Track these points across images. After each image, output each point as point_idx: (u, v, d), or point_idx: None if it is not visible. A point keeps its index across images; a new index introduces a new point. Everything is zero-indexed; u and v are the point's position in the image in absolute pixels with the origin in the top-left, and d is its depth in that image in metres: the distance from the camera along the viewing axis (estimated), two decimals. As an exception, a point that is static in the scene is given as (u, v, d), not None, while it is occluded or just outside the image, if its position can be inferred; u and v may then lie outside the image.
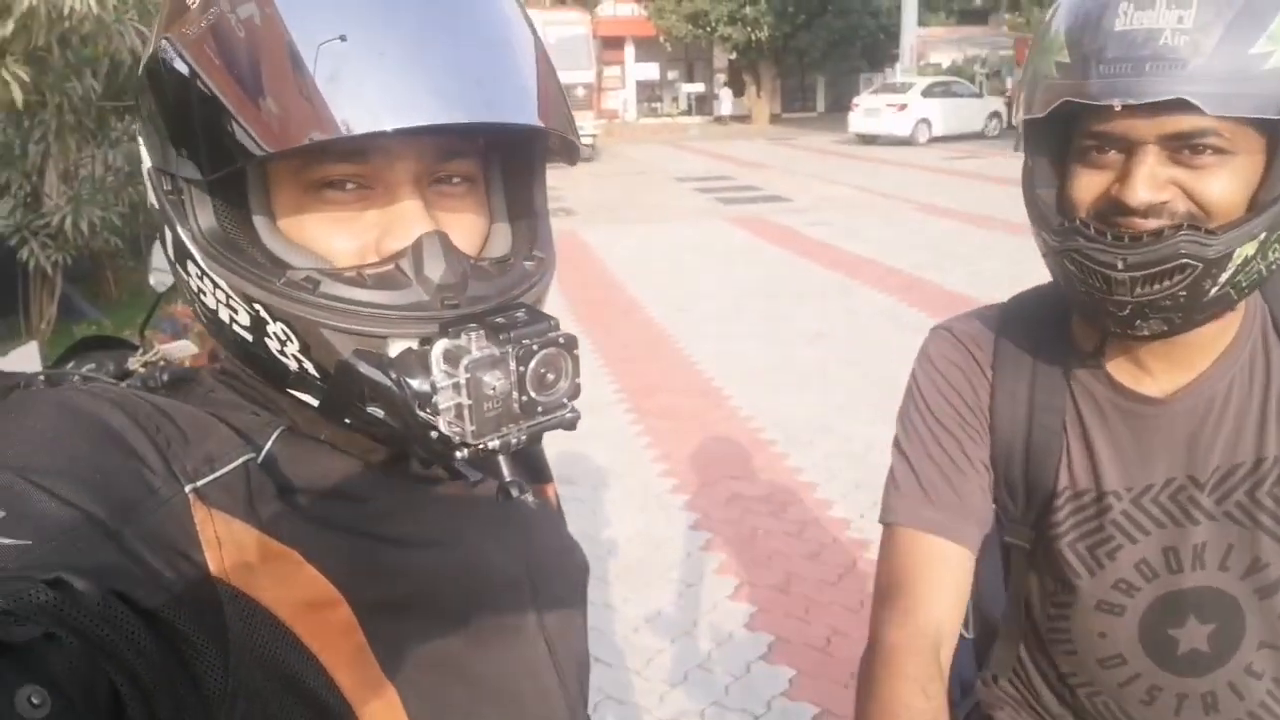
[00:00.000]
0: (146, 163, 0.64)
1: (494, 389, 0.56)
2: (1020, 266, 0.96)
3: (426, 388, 0.57)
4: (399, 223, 0.62)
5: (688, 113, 32.41)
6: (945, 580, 1.01)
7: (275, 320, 0.59)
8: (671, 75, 34.29)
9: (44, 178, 5.69)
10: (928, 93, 21.51)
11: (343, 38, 0.55)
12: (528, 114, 0.62)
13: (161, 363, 0.75)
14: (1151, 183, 0.84)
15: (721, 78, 33.77)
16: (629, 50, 33.16)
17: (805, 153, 20.63)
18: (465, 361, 0.56)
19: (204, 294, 0.63)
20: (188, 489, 0.57)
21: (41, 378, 0.73)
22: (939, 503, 1.03)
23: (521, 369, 0.57)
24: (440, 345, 0.57)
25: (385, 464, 0.69)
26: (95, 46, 5.18)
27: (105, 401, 0.59)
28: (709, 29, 28.68)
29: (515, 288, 0.65)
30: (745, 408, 5.27)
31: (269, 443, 0.64)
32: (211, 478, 0.59)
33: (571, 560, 0.85)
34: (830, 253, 9.54)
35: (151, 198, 0.65)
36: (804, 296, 7.78)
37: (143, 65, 0.62)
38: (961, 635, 1.11)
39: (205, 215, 0.61)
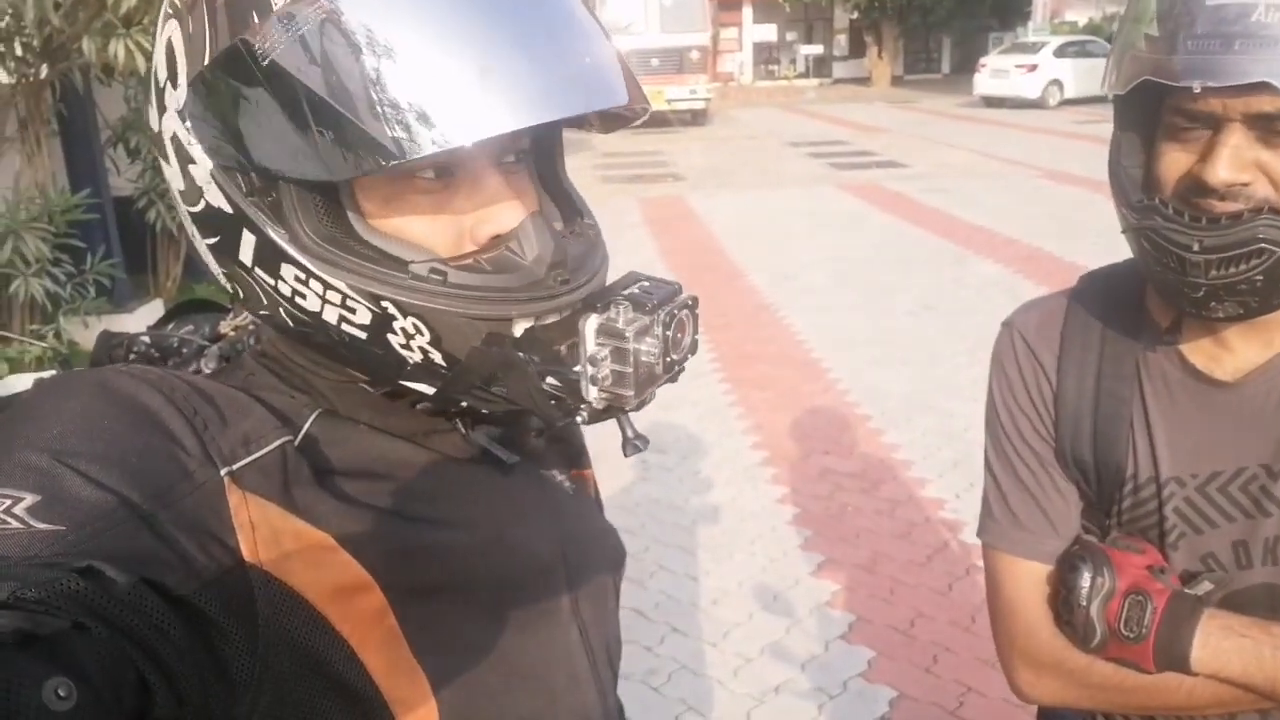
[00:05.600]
0: (205, 164, 0.60)
1: (651, 354, 0.60)
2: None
3: (583, 363, 0.60)
4: (493, 207, 0.63)
5: (805, 75, 31.68)
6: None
7: (406, 315, 0.59)
8: (790, 37, 33.54)
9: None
10: (1060, 52, 20.40)
11: (487, 68, 0.55)
12: (637, 96, 0.63)
13: (250, 326, 0.77)
14: (1235, 162, 0.81)
15: (842, 39, 32.86)
16: (747, 11, 32.55)
17: (926, 116, 19.93)
18: (630, 332, 0.59)
19: (301, 297, 0.61)
20: (223, 472, 0.58)
21: (145, 338, 0.75)
22: (1028, 524, 1.03)
23: (668, 334, 0.61)
24: (594, 320, 0.60)
25: (425, 444, 0.69)
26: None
27: (143, 383, 0.59)
28: (830, -12, 27.90)
29: (599, 250, 0.68)
30: (843, 380, 5.16)
31: (306, 424, 0.64)
32: (247, 460, 0.59)
33: (607, 546, 0.84)
34: (944, 221, 9.22)
35: (215, 200, 0.61)
36: (913, 266, 7.55)
37: (210, 61, 0.58)
38: None
39: (311, 217, 0.60)
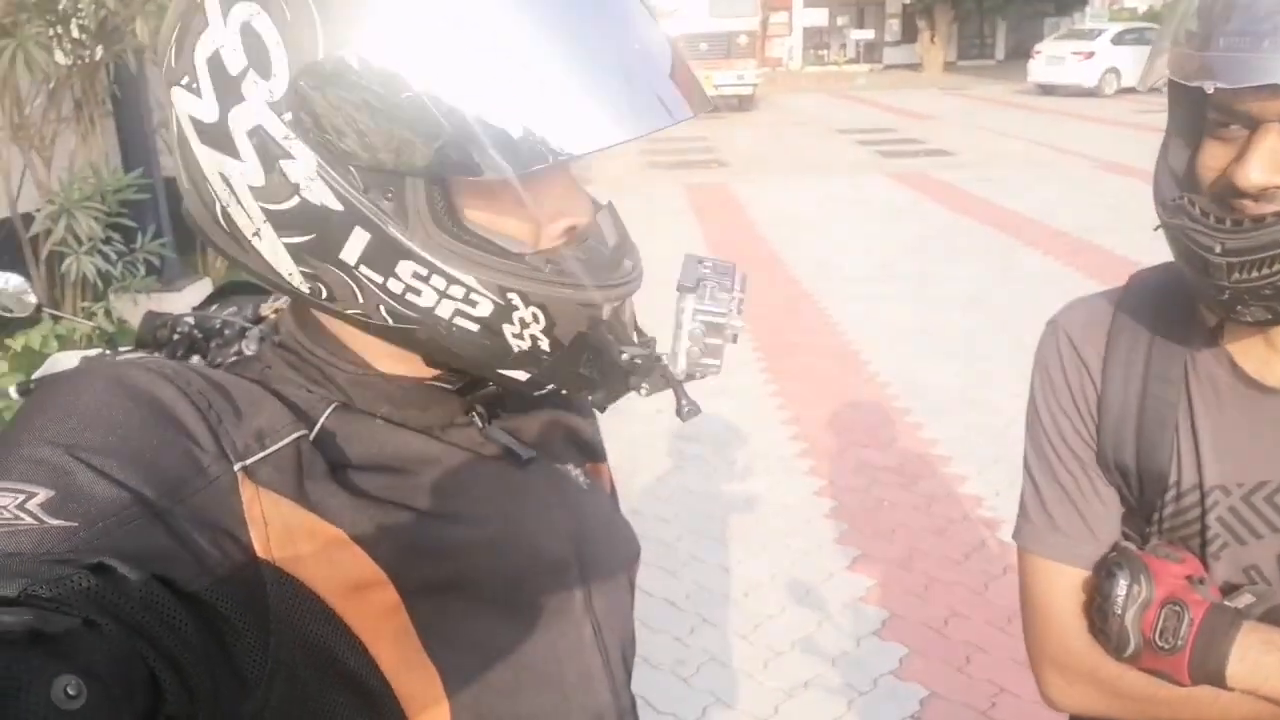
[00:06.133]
0: (309, 160, 0.57)
1: (735, 327, 0.68)
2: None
3: (684, 338, 0.68)
4: (570, 199, 0.65)
5: (855, 60, 31.28)
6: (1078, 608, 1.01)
7: (529, 305, 0.61)
8: (841, 21, 33.09)
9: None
10: (1119, 40, 19.93)
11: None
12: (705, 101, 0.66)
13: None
14: (1268, 165, 0.78)
15: (894, 24, 32.37)
16: (797, -5, 32.20)
17: (978, 103, 19.58)
18: (727, 309, 0.67)
19: (415, 293, 0.60)
20: (236, 467, 0.58)
21: (189, 319, 0.75)
22: (1065, 528, 1.01)
23: (742, 309, 0.69)
24: (691, 300, 0.68)
25: (441, 438, 0.69)
26: None
27: (158, 376, 0.59)
28: (883, -28, 27.51)
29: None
30: (884, 373, 5.10)
31: (322, 418, 0.64)
32: (261, 455, 0.59)
33: (622, 542, 0.84)
34: (993, 211, 9.06)
35: (317, 198, 0.58)
36: (959, 258, 7.43)
37: (335, 55, 0.55)
38: None
39: (437, 214, 0.59)
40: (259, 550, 0.57)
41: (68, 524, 0.49)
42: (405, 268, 0.59)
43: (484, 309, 0.61)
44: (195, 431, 0.57)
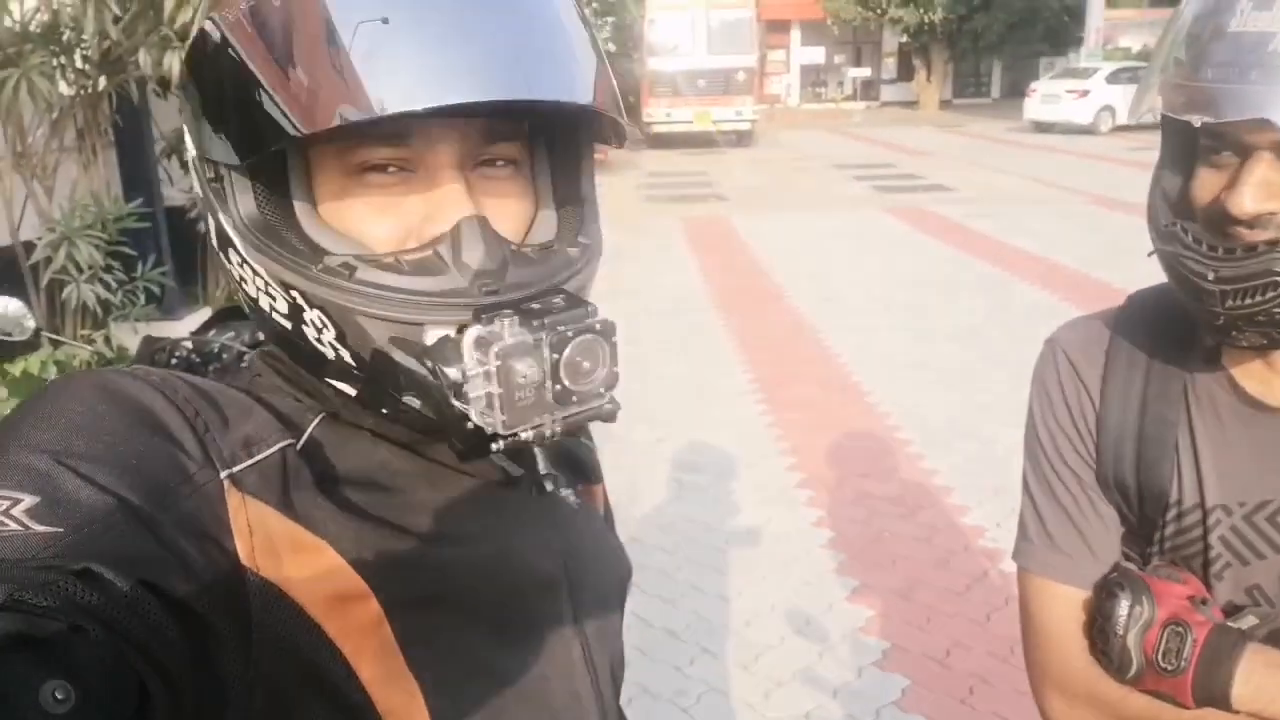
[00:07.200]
0: (191, 151, 0.63)
1: (525, 377, 0.54)
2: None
3: (458, 376, 0.55)
4: (440, 207, 0.60)
5: (852, 98, 31.62)
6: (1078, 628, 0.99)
7: (312, 307, 0.59)
8: (838, 59, 33.49)
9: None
10: (1113, 78, 20.12)
11: (385, 20, 0.54)
12: (568, 92, 0.59)
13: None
14: (1260, 192, 0.78)
15: (890, 62, 32.77)
16: (795, 34, 32.60)
17: (974, 140, 19.75)
18: (496, 348, 0.54)
19: (245, 281, 0.62)
20: (223, 475, 0.57)
21: (187, 343, 0.75)
22: (1065, 548, 1.00)
23: (555, 356, 0.55)
24: (473, 332, 0.56)
25: (427, 454, 0.68)
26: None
27: (145, 384, 0.59)
28: (879, 11, 27.82)
29: (557, 274, 0.63)
30: (883, 404, 5.10)
31: (309, 429, 0.64)
32: (248, 463, 0.59)
33: (613, 562, 0.83)
34: (990, 246, 9.10)
35: (196, 186, 0.64)
36: (958, 291, 7.46)
37: (186, 50, 0.62)
38: None
39: (246, 202, 0.60)
40: (243, 558, 0.56)
41: (53, 530, 0.49)
42: (233, 255, 0.62)
43: (281, 305, 0.61)
44: (182, 438, 0.57)
